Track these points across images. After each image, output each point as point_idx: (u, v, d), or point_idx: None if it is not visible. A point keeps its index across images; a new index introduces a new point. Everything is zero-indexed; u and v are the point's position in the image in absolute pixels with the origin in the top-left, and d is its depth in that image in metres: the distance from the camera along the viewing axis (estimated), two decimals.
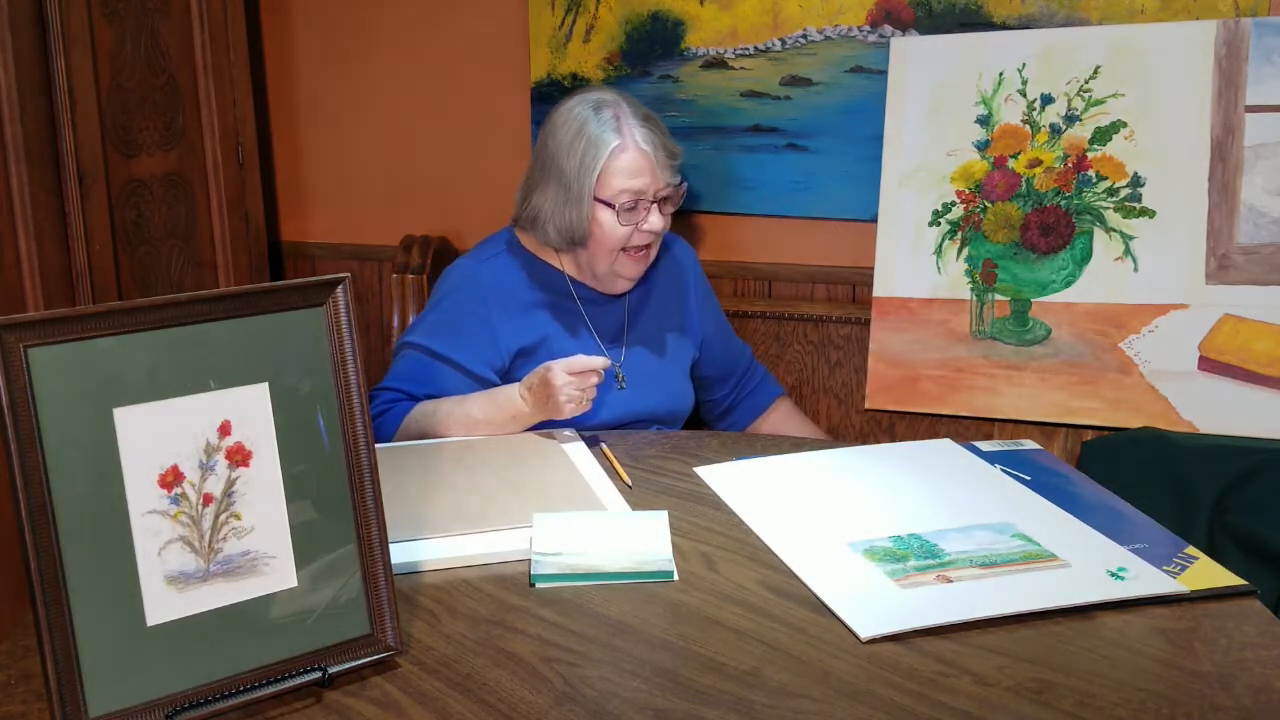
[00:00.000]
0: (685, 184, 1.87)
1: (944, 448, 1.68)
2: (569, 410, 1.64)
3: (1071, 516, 1.43)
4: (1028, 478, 1.55)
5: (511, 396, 1.70)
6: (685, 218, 2.34)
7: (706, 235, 2.34)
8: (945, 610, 1.19)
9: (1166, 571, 1.28)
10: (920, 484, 1.54)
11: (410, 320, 2.34)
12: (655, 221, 1.82)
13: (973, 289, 2.07)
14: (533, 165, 1.89)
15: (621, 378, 1.88)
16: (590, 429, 1.79)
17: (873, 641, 1.16)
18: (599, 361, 1.64)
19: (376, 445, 1.17)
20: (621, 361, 1.90)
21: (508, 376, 1.83)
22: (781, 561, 1.33)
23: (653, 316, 1.97)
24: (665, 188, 1.82)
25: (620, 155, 1.78)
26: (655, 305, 1.98)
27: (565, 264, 1.91)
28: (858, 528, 1.40)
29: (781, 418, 2.10)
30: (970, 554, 1.32)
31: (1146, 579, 1.26)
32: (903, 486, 1.53)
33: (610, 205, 1.79)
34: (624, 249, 1.83)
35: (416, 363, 1.81)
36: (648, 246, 1.86)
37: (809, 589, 1.26)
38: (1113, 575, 1.27)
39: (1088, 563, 1.30)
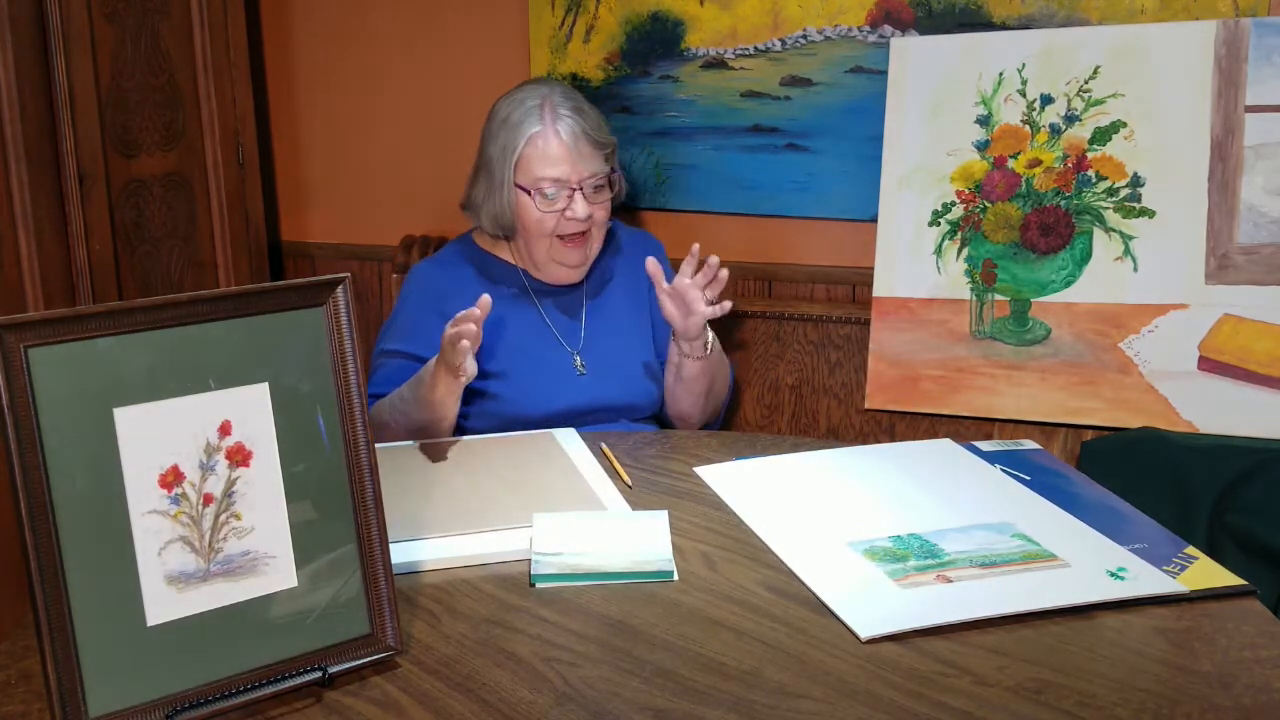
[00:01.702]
0: (619, 173, 1.88)
1: (944, 448, 1.68)
2: (455, 360, 1.57)
3: (1071, 516, 1.43)
4: (1028, 478, 1.55)
5: (429, 365, 1.67)
6: (687, 218, 2.34)
7: (707, 235, 2.34)
8: (945, 610, 1.19)
9: (1166, 571, 1.28)
10: (920, 484, 1.54)
11: None
12: (580, 209, 1.81)
13: (973, 289, 2.07)
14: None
15: (581, 365, 1.89)
16: (550, 418, 1.80)
17: (873, 641, 1.16)
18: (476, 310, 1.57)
19: (376, 445, 1.17)
20: (579, 349, 1.91)
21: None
22: (781, 561, 1.33)
23: (613, 309, 1.97)
24: (591, 176, 1.82)
25: (537, 141, 1.80)
26: (616, 298, 1.99)
27: (519, 258, 1.93)
28: (857, 528, 1.40)
29: None
30: (970, 554, 1.32)
31: (1146, 579, 1.26)
32: (903, 486, 1.53)
33: (528, 191, 1.80)
34: (558, 236, 1.84)
35: (395, 368, 1.83)
36: (583, 234, 1.85)
37: (809, 589, 1.26)
38: (1112, 575, 1.27)
39: (1087, 563, 1.30)
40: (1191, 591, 1.24)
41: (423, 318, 1.86)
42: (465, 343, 1.55)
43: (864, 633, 1.16)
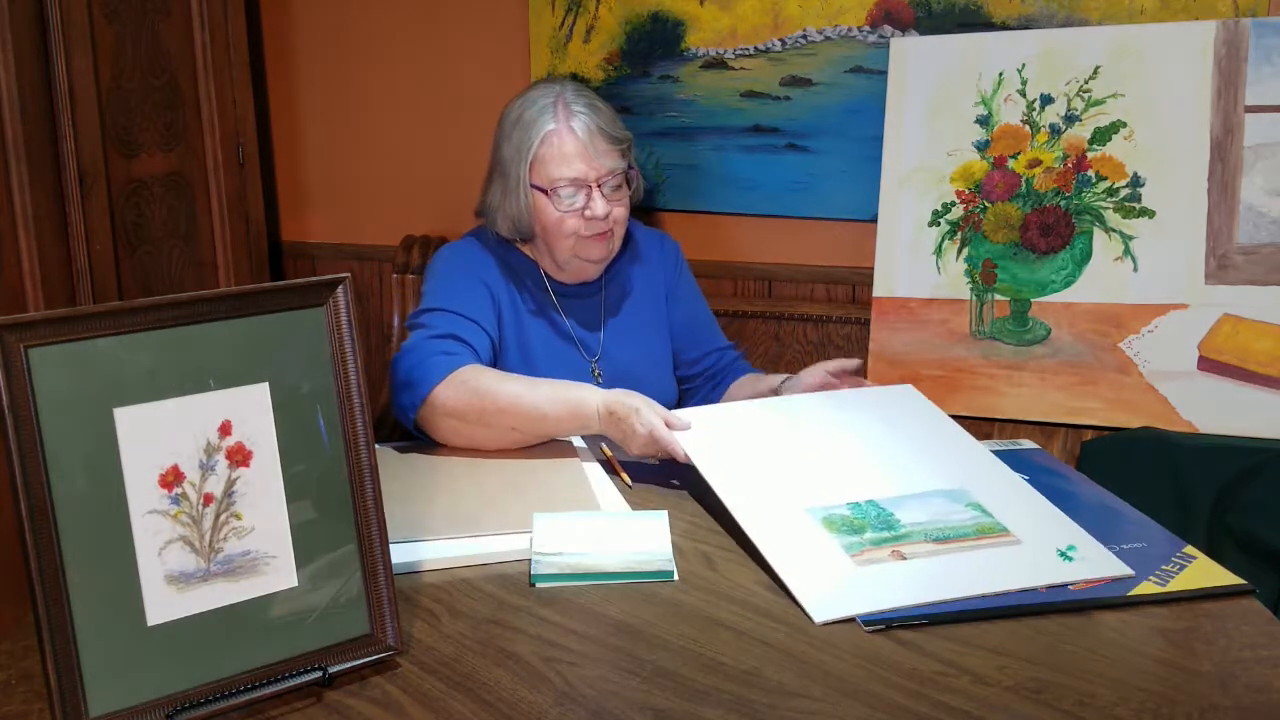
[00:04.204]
0: (636, 170, 1.85)
1: (905, 394, 1.69)
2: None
3: (1025, 483, 1.46)
4: (1026, 477, 1.56)
5: (586, 405, 1.59)
6: (687, 218, 2.35)
7: (707, 235, 2.34)
8: (898, 594, 1.21)
9: (1165, 571, 1.28)
10: (881, 438, 1.55)
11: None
12: (599, 207, 1.77)
13: (972, 289, 2.07)
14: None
15: (598, 374, 1.88)
16: None
17: (827, 625, 1.17)
18: (680, 448, 1.52)
19: (376, 446, 1.17)
20: (598, 357, 1.90)
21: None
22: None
23: (631, 318, 1.95)
24: (609, 174, 1.78)
25: (551, 140, 1.76)
26: (634, 305, 1.96)
27: (538, 259, 1.91)
28: (817, 491, 1.41)
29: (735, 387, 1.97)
30: (925, 526, 1.34)
31: (1094, 560, 1.28)
32: (863, 442, 1.54)
33: (545, 191, 1.77)
34: (579, 235, 1.80)
35: (447, 318, 1.73)
36: (606, 231, 1.81)
37: (766, 563, 1.28)
38: (1061, 555, 1.29)
39: (1038, 540, 1.32)
40: (1184, 591, 1.24)
41: (466, 280, 1.80)
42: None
43: (818, 617, 1.18)
